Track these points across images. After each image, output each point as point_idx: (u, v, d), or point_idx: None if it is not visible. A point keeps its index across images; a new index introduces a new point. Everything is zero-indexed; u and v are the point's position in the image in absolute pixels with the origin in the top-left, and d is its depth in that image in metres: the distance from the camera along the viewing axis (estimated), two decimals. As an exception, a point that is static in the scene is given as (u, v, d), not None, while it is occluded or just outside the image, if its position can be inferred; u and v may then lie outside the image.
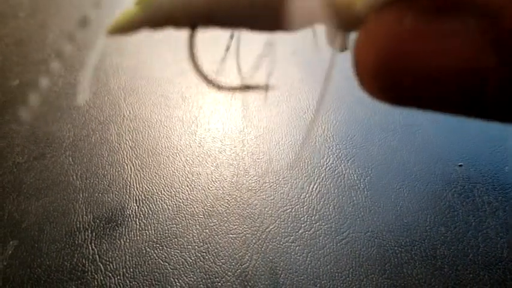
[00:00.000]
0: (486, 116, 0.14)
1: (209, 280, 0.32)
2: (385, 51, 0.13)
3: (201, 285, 0.32)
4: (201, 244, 0.35)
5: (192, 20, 0.15)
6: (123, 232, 0.35)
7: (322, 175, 0.39)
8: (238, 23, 0.16)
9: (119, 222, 0.36)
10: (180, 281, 0.32)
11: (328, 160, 0.41)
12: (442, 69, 0.13)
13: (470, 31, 0.12)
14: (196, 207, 0.37)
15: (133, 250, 0.34)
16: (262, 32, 0.16)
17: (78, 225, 0.36)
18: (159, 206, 0.37)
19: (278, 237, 0.35)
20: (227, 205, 0.37)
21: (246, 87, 0.21)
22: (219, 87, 0.18)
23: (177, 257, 0.34)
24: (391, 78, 0.13)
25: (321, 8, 0.16)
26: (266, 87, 0.15)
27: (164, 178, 0.39)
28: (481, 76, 0.12)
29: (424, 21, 0.12)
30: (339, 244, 0.35)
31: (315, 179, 0.39)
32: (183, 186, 0.38)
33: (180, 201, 0.37)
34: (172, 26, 0.15)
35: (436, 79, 0.13)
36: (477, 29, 0.12)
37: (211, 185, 0.39)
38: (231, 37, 0.23)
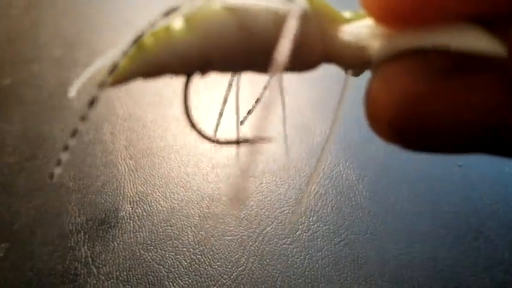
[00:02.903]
0: (506, 155, 0.14)
1: (204, 283, 0.32)
2: (399, 109, 0.13)
3: (197, 289, 0.32)
4: (196, 246, 0.34)
5: (187, 69, 0.15)
6: (117, 234, 0.35)
7: (320, 175, 0.39)
8: (236, 68, 0.16)
9: (113, 224, 0.35)
10: (175, 284, 0.32)
11: (326, 160, 0.40)
12: (458, 124, 0.13)
13: (490, 87, 0.12)
14: (192, 208, 0.36)
15: (127, 253, 0.34)
16: (262, 74, 0.15)
17: (70, 227, 0.35)
18: (153, 208, 0.36)
19: (275, 239, 0.34)
20: (223, 206, 0.36)
21: (242, 141, 0.20)
22: (213, 141, 0.18)
23: (172, 259, 0.33)
24: (405, 133, 0.13)
25: (331, 51, 0.16)
26: (263, 140, 0.15)
27: (159, 179, 0.39)
28: (502, 128, 0.12)
29: (438, 80, 0.12)
30: (337, 246, 0.34)
31: (313, 179, 0.39)
32: (178, 187, 0.38)
33: (175, 202, 0.37)
34: (166, 75, 0.15)
35: (452, 132, 0.13)
36: (498, 85, 0.12)
37: (206, 186, 0.38)
38: (229, 85, 0.23)
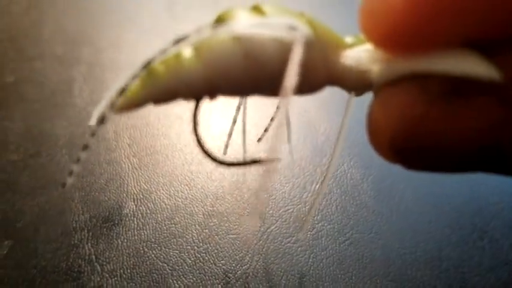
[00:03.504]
0: (507, 173, 0.14)
1: (209, 281, 0.32)
2: (398, 131, 0.14)
3: (201, 287, 0.31)
4: (201, 244, 0.34)
5: (196, 95, 0.16)
6: (121, 232, 0.35)
7: (324, 174, 0.39)
8: (242, 93, 0.17)
9: (116, 221, 0.35)
10: (179, 282, 0.32)
11: (330, 159, 0.40)
12: (456, 145, 0.13)
13: (486, 110, 0.12)
14: (196, 206, 0.36)
15: (130, 250, 0.33)
16: (269, 98, 0.17)
17: (74, 225, 0.35)
18: (157, 206, 0.36)
19: (279, 238, 0.34)
20: (227, 205, 0.36)
21: (251, 162, 0.21)
22: (223, 164, 0.20)
23: (176, 257, 0.33)
24: (404, 153, 0.14)
25: (334, 75, 0.17)
26: (272, 161, 0.16)
27: (163, 177, 0.38)
28: (500, 149, 0.13)
29: (435, 103, 0.13)
30: (342, 245, 0.34)
31: (317, 178, 0.38)
32: (182, 185, 0.38)
33: (179, 200, 0.37)
34: (176, 101, 0.16)
35: (450, 153, 0.14)
36: (494, 108, 0.12)
37: (210, 184, 0.38)
38: (237, 109, 0.24)
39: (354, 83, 0.17)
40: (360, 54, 0.16)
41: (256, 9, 0.16)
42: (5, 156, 0.40)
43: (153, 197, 0.37)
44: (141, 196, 0.37)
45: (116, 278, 0.32)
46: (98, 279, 0.32)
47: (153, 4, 0.60)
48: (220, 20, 0.16)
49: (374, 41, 0.15)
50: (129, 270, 0.32)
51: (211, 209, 0.36)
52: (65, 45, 0.53)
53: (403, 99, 0.14)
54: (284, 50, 0.15)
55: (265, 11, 0.16)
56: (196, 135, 0.19)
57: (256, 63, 0.15)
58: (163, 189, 0.37)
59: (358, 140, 0.41)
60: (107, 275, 0.32)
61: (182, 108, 0.45)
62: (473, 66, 0.13)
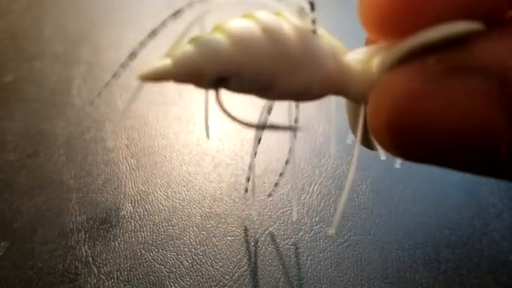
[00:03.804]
0: (501, 177, 0.14)
1: (206, 284, 0.32)
2: (395, 110, 0.14)
3: (198, 289, 0.31)
4: (198, 246, 0.34)
5: (220, 74, 0.17)
6: (118, 234, 0.34)
7: (323, 176, 0.39)
8: (263, 82, 0.17)
9: (114, 223, 0.35)
10: (176, 284, 0.32)
11: (329, 160, 0.40)
12: (452, 128, 0.13)
13: (478, 93, 0.12)
14: (194, 208, 0.36)
15: (128, 252, 0.33)
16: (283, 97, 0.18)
17: (71, 226, 0.35)
18: (155, 207, 0.36)
19: (278, 240, 0.34)
20: (225, 206, 0.36)
21: (273, 127, 0.22)
22: (246, 124, 0.20)
23: (173, 259, 0.33)
24: (402, 135, 0.14)
25: (338, 75, 0.17)
26: (294, 128, 0.21)
27: (160, 178, 0.38)
28: (492, 137, 0.13)
29: (432, 82, 0.13)
30: (340, 247, 0.34)
31: (316, 179, 0.38)
32: (180, 187, 0.38)
33: (177, 202, 0.36)
34: (196, 83, 0.17)
35: (446, 138, 0.13)
36: (486, 92, 0.12)
37: (209, 186, 0.38)
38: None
39: (360, 81, 0.17)
40: (359, 52, 0.17)
41: (278, 14, 0.18)
42: (2, 156, 0.40)
43: (150, 199, 0.37)
44: (139, 197, 0.37)
45: (112, 280, 0.32)
46: (95, 281, 0.32)
47: (154, 4, 0.60)
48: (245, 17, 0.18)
49: (372, 31, 0.16)
50: (126, 272, 0.32)
51: (209, 210, 0.36)
52: (65, 44, 0.53)
53: (400, 78, 0.14)
54: (302, 35, 0.17)
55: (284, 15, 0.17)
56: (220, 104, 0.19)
57: (279, 47, 0.16)
58: (160, 191, 0.37)
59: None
60: (104, 277, 0.32)
61: (181, 108, 0.45)
62: (457, 26, 0.13)
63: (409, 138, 0.14)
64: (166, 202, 0.36)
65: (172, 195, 0.37)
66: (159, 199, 0.37)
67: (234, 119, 0.19)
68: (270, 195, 0.37)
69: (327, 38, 0.18)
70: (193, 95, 0.46)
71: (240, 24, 0.17)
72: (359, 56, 0.17)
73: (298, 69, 0.16)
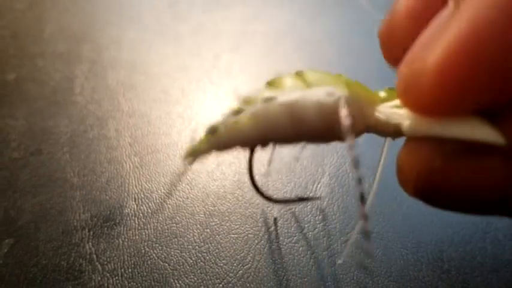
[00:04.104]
0: None
1: (210, 281, 0.32)
2: (420, 178, 0.17)
3: (202, 287, 0.31)
4: (202, 244, 0.34)
5: (250, 147, 0.22)
6: (122, 231, 0.34)
7: (326, 174, 0.39)
8: (290, 143, 0.21)
9: (117, 221, 0.35)
10: (180, 282, 0.32)
11: (332, 159, 0.40)
12: (470, 195, 0.16)
13: (498, 171, 0.15)
14: (197, 206, 0.36)
15: (131, 250, 0.33)
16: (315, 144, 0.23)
17: (75, 224, 0.35)
18: (158, 205, 0.36)
19: (281, 238, 0.34)
20: (229, 204, 0.36)
21: (300, 200, 0.30)
22: (275, 201, 0.29)
23: (177, 257, 0.33)
24: (426, 196, 0.18)
25: (369, 126, 0.21)
26: (319, 198, 0.27)
27: (164, 176, 0.38)
28: (509, 199, 0.15)
29: (452, 158, 0.16)
30: (343, 245, 0.34)
31: (319, 178, 0.38)
32: (184, 185, 0.38)
33: (180, 200, 0.37)
34: (234, 150, 0.21)
35: (466, 200, 0.16)
36: (504, 169, 0.15)
37: (212, 184, 0.38)
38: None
39: (388, 133, 0.20)
40: (391, 110, 0.20)
41: (299, 75, 0.20)
42: (6, 154, 0.40)
43: (154, 197, 0.37)
44: (143, 195, 0.37)
45: (116, 277, 0.32)
46: (99, 278, 0.32)
47: (156, 2, 0.60)
48: (270, 85, 0.21)
49: (408, 107, 0.18)
50: (130, 270, 0.32)
51: (212, 208, 0.36)
52: (67, 43, 0.53)
53: (424, 153, 0.17)
54: (323, 110, 0.19)
55: (306, 77, 0.20)
56: (252, 179, 0.26)
57: (300, 123, 0.19)
58: (164, 189, 0.37)
59: (360, 139, 0.41)
60: (108, 274, 0.32)
61: (183, 107, 0.45)
62: (481, 133, 0.15)
63: (432, 198, 0.18)
64: (170, 200, 0.36)
65: (176, 193, 0.37)
66: (162, 197, 0.37)
67: (261, 192, 0.26)
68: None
69: (356, 99, 0.20)
70: (196, 94, 0.47)
71: (265, 111, 0.20)
72: (389, 112, 0.20)
73: (320, 134, 0.20)
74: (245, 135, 0.20)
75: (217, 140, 0.21)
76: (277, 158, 0.40)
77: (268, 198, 0.23)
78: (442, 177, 0.16)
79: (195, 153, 0.22)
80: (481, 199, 0.16)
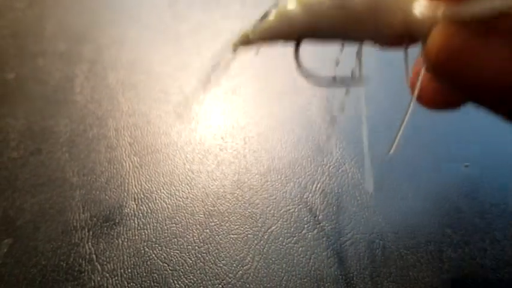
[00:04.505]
0: None
1: (209, 282, 0.32)
2: (443, 55, 0.18)
3: (201, 287, 0.31)
4: (202, 244, 0.34)
5: (296, 35, 0.22)
6: (121, 231, 0.34)
7: (326, 174, 0.39)
8: (333, 36, 0.21)
9: (117, 221, 0.35)
10: (180, 282, 0.32)
11: (331, 159, 0.40)
12: (485, 77, 0.16)
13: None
14: (197, 206, 0.36)
15: (131, 250, 0.33)
16: (358, 43, 0.23)
17: (74, 224, 0.35)
18: (158, 205, 0.36)
19: (280, 238, 0.34)
20: (228, 204, 0.36)
21: (342, 80, 0.28)
22: (320, 82, 0.26)
23: (177, 257, 0.33)
24: (446, 73, 0.18)
25: (408, 20, 0.20)
26: (360, 80, 0.24)
27: (163, 176, 0.38)
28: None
29: (473, 38, 0.16)
30: (343, 246, 0.34)
31: (319, 178, 0.38)
32: (183, 185, 0.38)
33: (180, 200, 0.37)
34: (281, 41, 0.22)
35: (480, 83, 0.17)
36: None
37: (212, 184, 0.38)
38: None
39: (423, 28, 0.20)
40: (425, 4, 0.20)
41: None
42: (5, 153, 0.40)
43: (154, 197, 0.37)
44: (142, 195, 0.37)
45: (116, 278, 0.32)
46: (99, 278, 0.32)
47: (156, 2, 0.60)
48: None
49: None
50: (129, 270, 0.32)
51: (212, 208, 0.36)
52: (67, 42, 0.53)
53: (449, 30, 0.17)
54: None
55: None
56: (299, 66, 0.25)
57: (346, 10, 0.19)
58: (164, 189, 0.37)
59: (359, 140, 0.41)
60: (108, 275, 0.32)
61: (183, 107, 0.45)
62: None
63: (451, 76, 0.18)
64: (169, 200, 0.36)
65: (175, 193, 0.37)
66: (162, 197, 0.37)
67: (307, 74, 0.25)
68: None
69: None
70: (195, 94, 0.46)
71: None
72: (424, 5, 0.19)
73: (365, 24, 0.20)
74: (294, 22, 0.21)
75: (268, 26, 0.22)
76: (276, 157, 0.40)
77: (314, 78, 0.25)
78: (462, 53, 0.17)
79: (244, 41, 0.24)
80: (502, 82, 0.16)
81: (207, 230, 0.35)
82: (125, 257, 0.33)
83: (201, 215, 0.35)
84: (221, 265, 0.33)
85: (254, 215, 0.35)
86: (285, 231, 0.35)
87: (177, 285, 0.31)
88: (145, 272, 0.32)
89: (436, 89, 0.22)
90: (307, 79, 0.25)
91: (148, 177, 0.38)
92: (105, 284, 0.31)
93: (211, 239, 0.34)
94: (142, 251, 0.33)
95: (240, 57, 0.45)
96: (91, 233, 0.34)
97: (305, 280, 0.32)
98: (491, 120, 0.24)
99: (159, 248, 0.33)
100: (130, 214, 0.35)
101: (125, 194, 0.37)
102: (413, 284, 0.32)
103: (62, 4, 0.59)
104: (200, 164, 0.39)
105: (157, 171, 0.39)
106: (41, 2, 0.59)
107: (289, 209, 0.36)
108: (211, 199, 0.37)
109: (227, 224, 0.35)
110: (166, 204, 0.36)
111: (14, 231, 0.34)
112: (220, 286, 0.31)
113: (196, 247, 0.34)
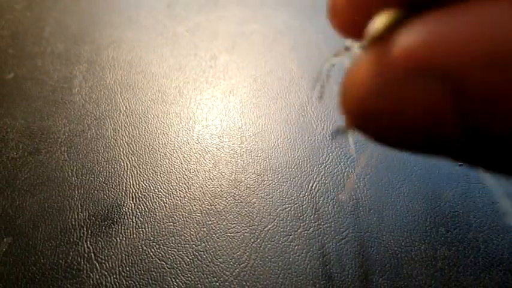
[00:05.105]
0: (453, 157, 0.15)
1: (207, 280, 0.32)
2: (354, 105, 0.14)
3: (199, 285, 0.32)
4: (199, 243, 0.34)
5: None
6: (119, 230, 0.35)
7: (322, 173, 0.39)
8: None
9: (115, 220, 0.35)
10: (177, 280, 0.32)
11: (327, 158, 0.40)
12: (405, 121, 0.14)
13: (432, 94, 0.13)
14: (194, 205, 0.37)
15: (129, 248, 0.34)
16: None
17: (73, 223, 0.35)
18: (156, 204, 0.37)
19: (277, 237, 0.35)
20: (225, 203, 0.37)
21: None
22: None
23: (174, 255, 0.33)
24: (359, 122, 0.14)
25: None
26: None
27: (161, 175, 0.39)
28: (445, 134, 0.14)
29: (389, 84, 0.13)
30: (338, 244, 0.34)
31: (314, 177, 0.39)
32: (181, 184, 0.38)
33: (178, 199, 0.37)
34: None
35: (401, 128, 0.14)
36: (439, 93, 0.13)
37: (209, 183, 0.38)
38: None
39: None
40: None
41: None
42: (4, 153, 0.41)
43: (151, 196, 0.37)
44: (140, 194, 0.37)
45: (114, 276, 0.32)
46: (97, 276, 0.32)
47: (153, 3, 0.60)
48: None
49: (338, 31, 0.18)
50: (127, 268, 0.33)
51: (209, 207, 0.36)
52: (66, 43, 0.53)
53: (361, 74, 0.15)
54: None
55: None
56: None
57: None
58: (161, 188, 0.38)
59: (354, 139, 0.41)
60: (106, 273, 0.32)
61: (180, 107, 0.45)
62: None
63: (366, 125, 0.15)
64: (167, 199, 0.37)
65: (173, 192, 0.37)
66: (160, 196, 0.37)
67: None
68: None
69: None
70: (193, 94, 0.47)
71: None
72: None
73: None
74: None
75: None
76: (273, 156, 0.40)
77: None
78: (377, 101, 0.15)
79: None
80: (416, 123, 0.14)
81: (204, 229, 0.35)
82: (123, 255, 0.33)
83: (198, 214, 0.36)
84: (218, 263, 0.33)
85: (251, 214, 0.36)
86: (281, 229, 0.35)
87: (174, 283, 0.32)
88: (143, 270, 0.32)
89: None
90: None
91: (146, 176, 0.39)
92: (104, 282, 0.32)
93: (208, 237, 0.34)
94: (141, 249, 0.34)
95: (237, 59, 0.46)
96: (89, 231, 0.35)
97: (301, 278, 0.32)
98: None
99: (157, 246, 0.34)
100: (128, 213, 0.36)
101: (123, 193, 0.37)
102: (407, 281, 0.32)
103: (60, 6, 0.59)
104: (197, 164, 0.39)
105: (155, 170, 0.39)
106: (40, 4, 0.59)
107: (286, 208, 0.36)
108: (208, 198, 0.37)
109: (224, 223, 0.35)
110: (164, 203, 0.37)
111: (14, 230, 0.35)
112: (218, 284, 0.32)
113: (194, 245, 0.34)
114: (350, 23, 0.16)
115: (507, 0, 0.13)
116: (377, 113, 0.14)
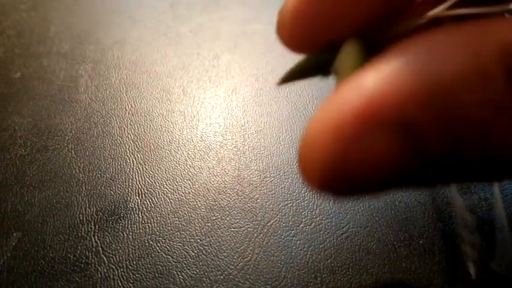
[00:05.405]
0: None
1: (211, 273, 0.33)
2: (320, 168, 0.14)
3: (204, 278, 0.33)
4: (204, 238, 0.35)
5: None
6: (126, 225, 0.36)
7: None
8: None
9: (122, 215, 0.36)
10: (183, 273, 0.33)
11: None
12: (370, 172, 0.14)
13: (392, 144, 0.13)
14: (199, 201, 0.37)
15: (136, 243, 0.35)
16: None
17: (81, 218, 0.36)
18: (161, 200, 0.37)
19: (279, 231, 0.35)
20: (229, 199, 0.37)
21: None
22: None
23: (180, 250, 0.34)
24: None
25: None
26: None
27: (166, 172, 0.40)
28: (408, 173, 0.14)
29: (353, 143, 0.14)
30: (339, 238, 0.35)
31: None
32: (185, 180, 0.39)
33: (182, 195, 0.38)
34: None
35: (366, 178, 0.14)
36: (398, 144, 0.13)
37: (213, 179, 0.39)
38: None
39: None
40: None
41: None
42: (13, 150, 0.41)
43: (157, 192, 0.38)
44: (146, 190, 0.38)
45: (122, 269, 0.33)
46: (105, 270, 0.33)
47: (157, 4, 0.61)
48: None
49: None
50: (134, 262, 0.33)
51: (213, 203, 0.37)
52: (71, 43, 0.54)
53: (324, 137, 0.14)
54: None
55: None
56: None
57: None
58: (167, 184, 0.39)
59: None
60: (113, 266, 0.33)
61: (184, 105, 0.46)
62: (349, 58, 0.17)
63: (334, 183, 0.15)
64: (172, 195, 0.38)
65: (178, 188, 0.38)
66: (165, 192, 0.38)
67: None
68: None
69: None
70: (197, 93, 0.48)
71: None
72: None
73: None
74: None
75: None
76: (275, 154, 0.41)
77: None
78: (343, 163, 0.14)
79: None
80: (379, 171, 0.14)
81: (209, 224, 0.36)
82: (130, 249, 0.34)
83: (202, 209, 0.37)
84: (222, 257, 0.34)
85: (254, 209, 0.37)
86: (284, 224, 0.36)
87: (180, 276, 0.33)
88: (149, 264, 0.33)
89: None
90: None
91: (151, 173, 0.39)
92: (112, 275, 0.33)
93: (212, 232, 0.35)
94: (147, 244, 0.34)
95: (239, 59, 0.46)
96: (97, 226, 0.36)
97: (303, 271, 0.33)
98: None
99: (163, 240, 0.35)
100: (134, 208, 0.37)
101: (129, 189, 0.38)
102: (406, 274, 0.33)
103: (66, 6, 0.60)
104: (201, 161, 0.40)
105: (160, 167, 0.40)
106: (45, 4, 0.60)
107: (288, 204, 0.37)
108: (212, 194, 0.38)
109: (228, 218, 0.36)
110: (169, 199, 0.37)
111: (23, 225, 0.36)
112: (222, 277, 0.33)
113: (199, 240, 0.35)
114: (296, 39, 0.18)
115: (424, 40, 0.13)
116: (341, 178, 0.14)
